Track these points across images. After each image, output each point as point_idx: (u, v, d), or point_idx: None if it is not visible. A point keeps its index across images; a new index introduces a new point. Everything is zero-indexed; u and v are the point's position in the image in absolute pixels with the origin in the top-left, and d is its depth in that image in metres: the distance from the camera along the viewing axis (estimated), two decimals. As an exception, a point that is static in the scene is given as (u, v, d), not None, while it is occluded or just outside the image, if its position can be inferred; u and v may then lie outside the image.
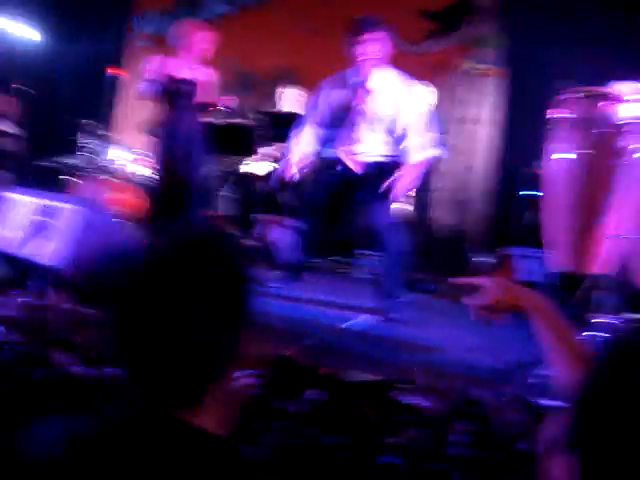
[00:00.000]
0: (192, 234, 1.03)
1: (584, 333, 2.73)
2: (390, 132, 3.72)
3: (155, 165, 4.98)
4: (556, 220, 2.91)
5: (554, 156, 2.90)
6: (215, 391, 0.94)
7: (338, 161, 3.85)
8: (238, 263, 1.01)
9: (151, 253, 0.98)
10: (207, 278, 0.93)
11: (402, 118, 3.67)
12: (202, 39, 4.80)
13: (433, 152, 3.80)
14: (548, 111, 2.96)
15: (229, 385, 0.98)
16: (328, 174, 3.91)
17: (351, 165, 3.77)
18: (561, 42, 6.49)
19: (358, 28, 3.58)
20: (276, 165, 6.25)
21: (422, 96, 3.90)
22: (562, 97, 2.94)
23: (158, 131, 4.83)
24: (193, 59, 4.80)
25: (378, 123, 3.70)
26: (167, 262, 0.94)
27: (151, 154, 5.05)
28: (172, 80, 4.69)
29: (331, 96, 3.84)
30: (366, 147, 3.76)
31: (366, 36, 3.57)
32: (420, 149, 3.69)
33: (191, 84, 4.77)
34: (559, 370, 1.21)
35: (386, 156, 3.78)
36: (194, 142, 4.82)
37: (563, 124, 2.85)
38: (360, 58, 3.61)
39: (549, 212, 2.93)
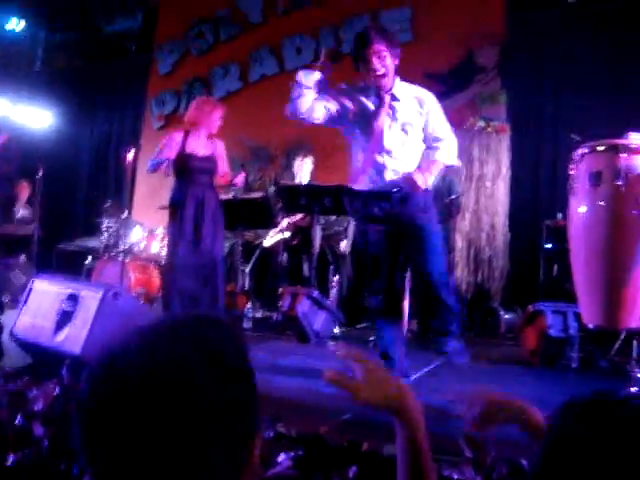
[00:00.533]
0: (177, 332, 0.83)
1: (630, 388, 2.66)
2: (419, 146, 3.47)
3: (170, 243, 4.97)
4: (586, 274, 2.86)
5: (579, 210, 2.88)
6: None
7: (372, 194, 3.45)
8: (236, 360, 0.84)
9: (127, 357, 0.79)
10: (202, 383, 0.77)
11: (430, 122, 3.44)
12: (219, 115, 4.90)
13: (456, 158, 3.62)
14: (570, 166, 2.94)
15: None
16: (369, 229, 3.47)
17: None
18: (571, 96, 6.59)
19: (374, 38, 3.26)
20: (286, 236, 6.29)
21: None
22: (581, 151, 2.93)
23: (176, 209, 4.84)
24: (208, 134, 4.89)
25: (408, 134, 3.42)
26: (150, 369, 0.77)
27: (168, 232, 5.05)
28: (190, 157, 4.76)
29: (354, 100, 3.44)
30: (399, 163, 3.41)
31: (383, 46, 3.27)
32: (451, 148, 3.50)
33: (209, 160, 4.84)
34: None
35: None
36: (212, 218, 4.84)
37: (585, 178, 2.83)
38: (379, 71, 3.28)
39: (578, 267, 2.88)
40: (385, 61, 3.28)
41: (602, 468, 0.69)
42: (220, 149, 4.95)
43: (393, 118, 3.38)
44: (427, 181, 3.34)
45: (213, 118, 4.84)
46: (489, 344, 5.73)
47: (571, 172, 2.91)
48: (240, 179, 5.11)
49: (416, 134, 3.43)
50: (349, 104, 3.44)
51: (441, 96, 7.15)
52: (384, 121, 3.38)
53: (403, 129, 3.38)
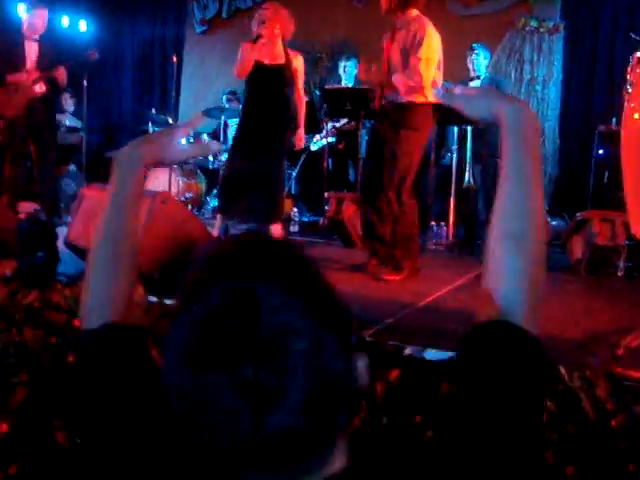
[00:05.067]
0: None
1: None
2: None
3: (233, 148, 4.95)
4: (637, 183, 2.80)
5: (634, 116, 2.78)
6: None
7: None
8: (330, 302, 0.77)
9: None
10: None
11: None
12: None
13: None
14: (628, 69, 2.82)
15: None
16: None
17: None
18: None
19: None
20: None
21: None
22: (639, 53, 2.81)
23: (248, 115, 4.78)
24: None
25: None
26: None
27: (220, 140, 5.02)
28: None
29: None
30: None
31: None
32: None
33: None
34: None
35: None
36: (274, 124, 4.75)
37: (641, 83, 2.72)
38: None
39: (629, 176, 2.81)
40: None
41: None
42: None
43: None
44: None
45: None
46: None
47: (627, 76, 2.80)
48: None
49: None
50: None
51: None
52: None
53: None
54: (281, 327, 0.68)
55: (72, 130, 7.46)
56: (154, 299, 2.68)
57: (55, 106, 5.62)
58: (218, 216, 4.83)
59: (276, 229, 4.72)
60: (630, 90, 2.77)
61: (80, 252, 3.66)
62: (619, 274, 4.38)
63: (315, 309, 0.71)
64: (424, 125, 3.88)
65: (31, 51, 5.48)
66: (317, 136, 6.49)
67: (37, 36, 5.54)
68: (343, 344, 0.72)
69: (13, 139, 5.49)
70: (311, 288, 0.74)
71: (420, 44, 3.69)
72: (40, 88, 5.47)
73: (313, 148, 6.59)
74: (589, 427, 1.80)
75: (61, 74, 5.46)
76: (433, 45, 3.75)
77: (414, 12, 3.83)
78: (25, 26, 5.52)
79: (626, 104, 2.79)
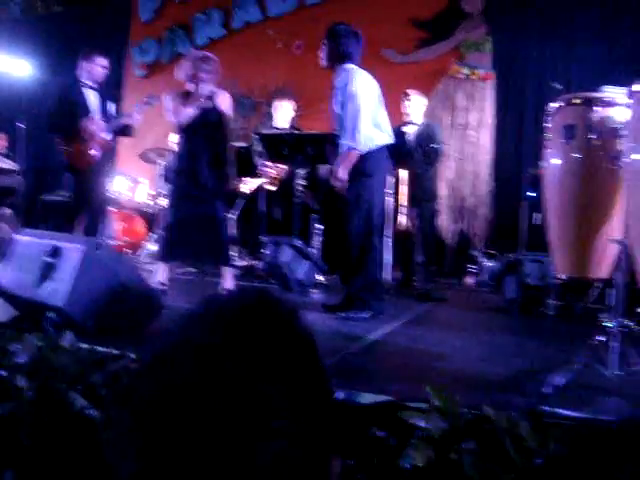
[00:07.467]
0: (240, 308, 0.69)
1: (597, 337, 2.72)
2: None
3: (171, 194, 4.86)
4: (558, 226, 2.91)
5: (552, 161, 2.91)
6: None
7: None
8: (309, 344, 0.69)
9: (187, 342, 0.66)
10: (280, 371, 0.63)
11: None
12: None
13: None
14: (545, 118, 2.97)
15: None
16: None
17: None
18: (553, 44, 6.53)
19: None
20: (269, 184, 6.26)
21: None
22: (557, 103, 2.95)
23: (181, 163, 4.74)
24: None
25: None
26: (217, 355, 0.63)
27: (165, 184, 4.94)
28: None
29: None
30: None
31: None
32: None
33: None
34: None
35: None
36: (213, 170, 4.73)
37: (559, 131, 2.86)
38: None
39: (551, 218, 2.93)
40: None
41: None
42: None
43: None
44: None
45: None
46: (470, 292, 5.83)
47: (546, 124, 2.93)
48: None
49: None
50: None
51: (425, 44, 7.16)
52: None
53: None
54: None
55: (7, 172, 7.32)
56: (85, 346, 2.64)
57: None
58: (160, 264, 4.66)
59: (228, 272, 4.65)
60: (548, 136, 2.91)
61: (11, 299, 3.58)
62: (550, 313, 4.51)
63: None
64: (377, 170, 4.07)
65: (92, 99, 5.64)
66: (250, 180, 6.49)
67: (96, 85, 5.71)
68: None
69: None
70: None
71: (343, 95, 3.91)
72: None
73: (244, 189, 6.54)
74: (512, 467, 1.83)
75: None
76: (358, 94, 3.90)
77: (348, 65, 3.99)
78: (84, 74, 5.82)
79: (546, 151, 2.92)
